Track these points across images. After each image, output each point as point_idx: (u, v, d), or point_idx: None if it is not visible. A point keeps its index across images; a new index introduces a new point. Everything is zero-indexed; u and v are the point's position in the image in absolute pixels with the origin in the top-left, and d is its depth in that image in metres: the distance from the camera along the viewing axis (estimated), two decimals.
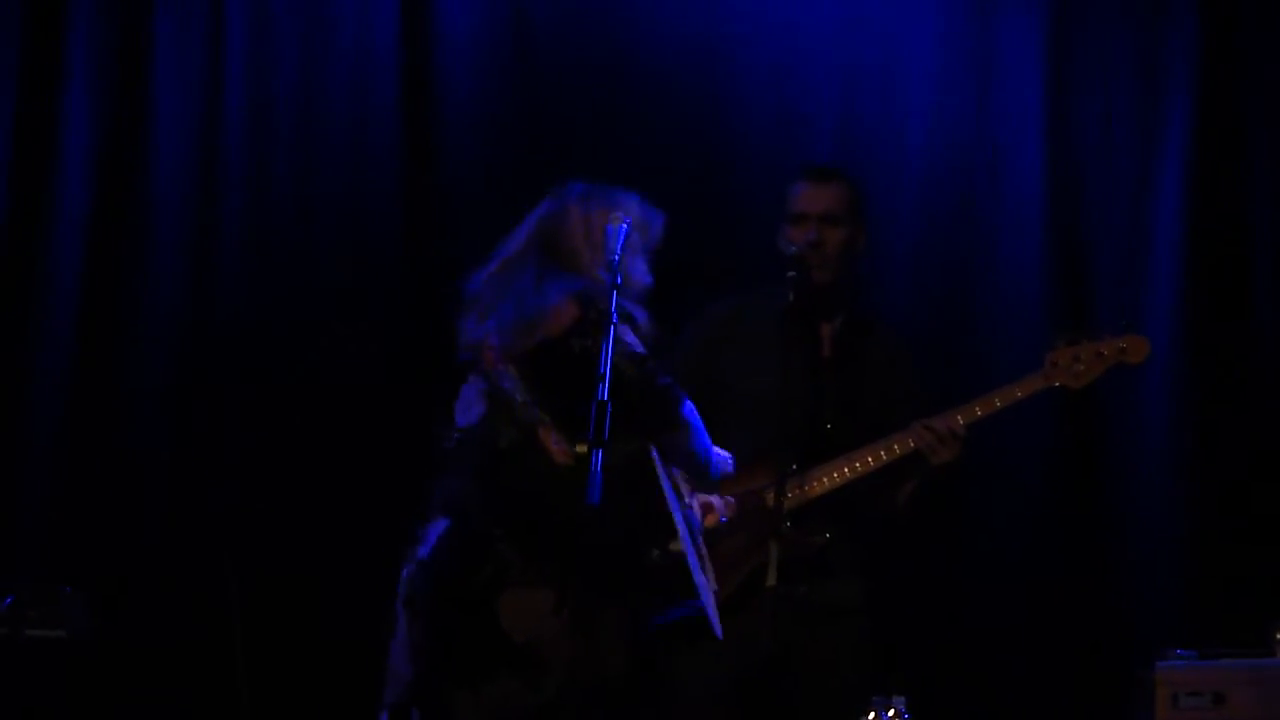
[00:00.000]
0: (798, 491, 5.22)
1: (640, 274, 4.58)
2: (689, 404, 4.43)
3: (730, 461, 4.70)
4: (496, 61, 6.50)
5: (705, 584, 4.48)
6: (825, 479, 5.28)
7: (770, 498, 5.14)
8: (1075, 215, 6.40)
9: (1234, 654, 5.07)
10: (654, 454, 4.39)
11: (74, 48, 6.39)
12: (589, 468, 4.00)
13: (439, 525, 4.41)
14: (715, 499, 4.82)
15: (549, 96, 6.49)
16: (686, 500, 4.61)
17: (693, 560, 4.36)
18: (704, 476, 4.60)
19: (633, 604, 4.33)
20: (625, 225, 4.51)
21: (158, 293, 6.35)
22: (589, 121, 6.44)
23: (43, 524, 6.19)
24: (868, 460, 5.33)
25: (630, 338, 4.37)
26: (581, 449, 4.21)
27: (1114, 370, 5.41)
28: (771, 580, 4.99)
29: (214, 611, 5.93)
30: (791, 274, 5.35)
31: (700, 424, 4.47)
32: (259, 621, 5.93)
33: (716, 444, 4.98)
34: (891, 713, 5.13)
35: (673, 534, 4.33)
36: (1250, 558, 6.06)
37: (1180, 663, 5.05)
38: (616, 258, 4.42)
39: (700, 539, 4.64)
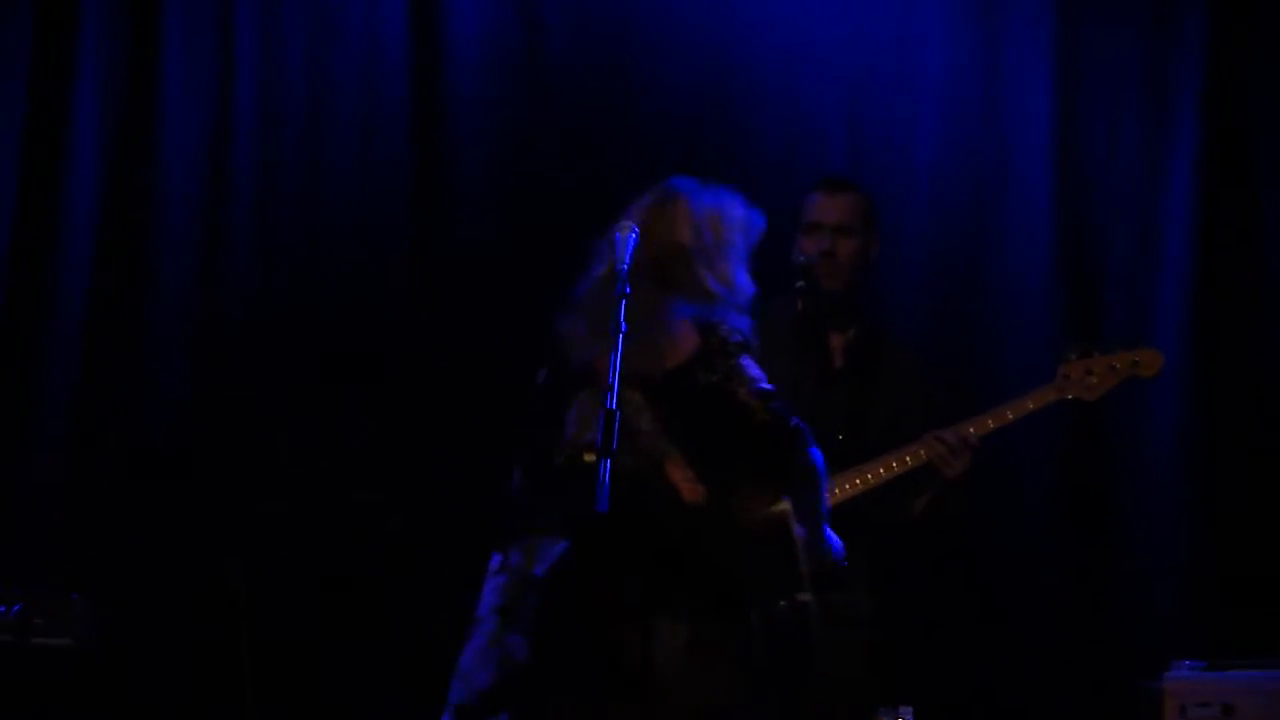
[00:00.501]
0: None
1: (744, 282, 4.53)
2: (817, 453, 4.39)
3: (839, 545, 4.65)
4: (506, 64, 6.49)
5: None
6: (837, 490, 5.27)
7: None
8: (1084, 225, 6.38)
9: (1243, 665, 5.06)
10: (786, 501, 4.35)
11: (84, 50, 6.35)
12: (613, 480, 3.97)
13: (555, 544, 4.38)
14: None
15: (559, 100, 6.47)
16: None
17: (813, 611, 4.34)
18: (818, 537, 4.49)
19: (755, 646, 4.30)
20: (634, 234, 4.48)
21: (166, 294, 6.33)
22: (599, 126, 6.43)
23: (50, 530, 6.17)
24: (879, 472, 5.32)
25: (754, 370, 4.33)
26: (590, 458, 4.19)
27: (1126, 383, 5.41)
28: None
29: (222, 619, 5.90)
30: (800, 284, 5.36)
31: (824, 480, 4.43)
32: (267, 629, 5.91)
33: None
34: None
35: (801, 585, 4.30)
36: (1259, 568, 6.05)
37: (1188, 673, 5.04)
38: (625, 266, 4.39)
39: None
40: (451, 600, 5.91)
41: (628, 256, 4.40)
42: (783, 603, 4.26)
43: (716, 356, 4.29)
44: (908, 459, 5.28)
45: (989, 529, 6.16)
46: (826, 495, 4.49)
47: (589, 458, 4.23)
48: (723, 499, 4.28)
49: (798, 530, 4.41)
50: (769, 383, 4.42)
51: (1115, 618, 6.18)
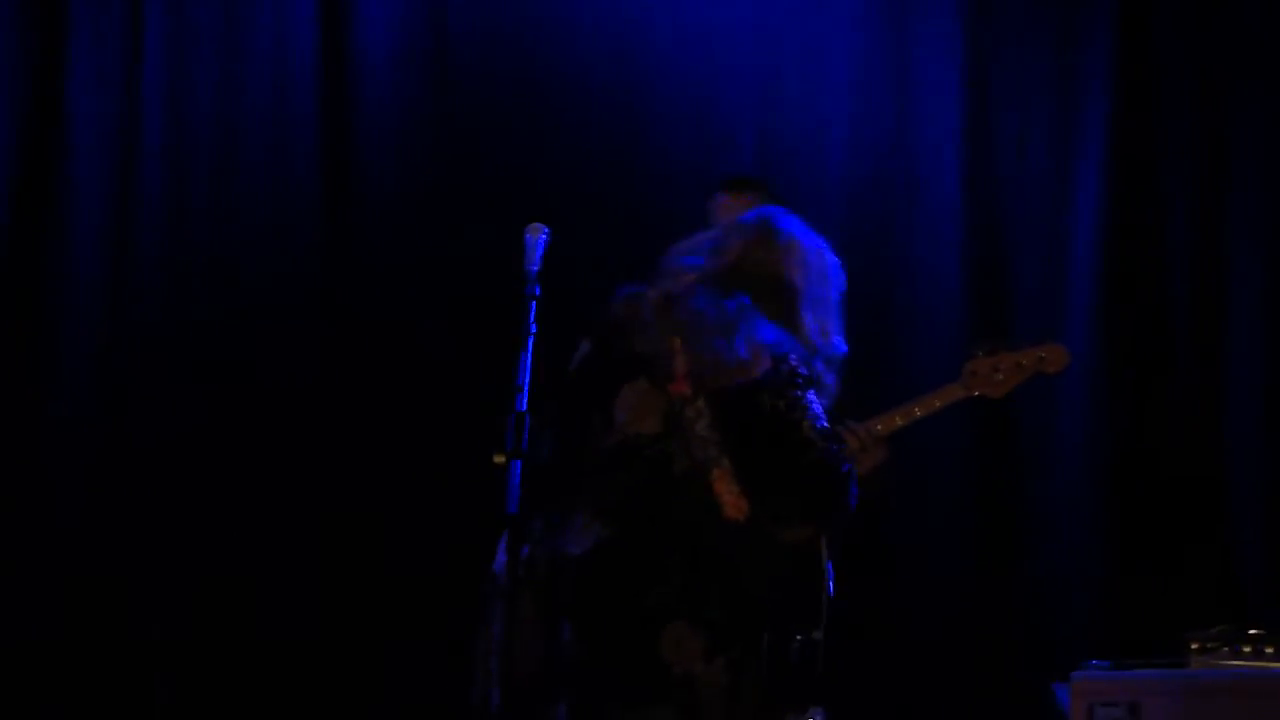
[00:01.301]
0: None
1: (838, 341, 4.50)
2: (856, 494, 4.31)
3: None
4: (414, 69, 6.50)
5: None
6: None
7: None
8: (994, 226, 6.45)
9: (1149, 664, 5.09)
10: (824, 543, 4.32)
11: None
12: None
13: (591, 526, 4.30)
14: None
15: (467, 108, 6.48)
16: None
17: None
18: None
19: (761, 672, 4.29)
20: (544, 235, 4.48)
21: (75, 303, 6.30)
22: (508, 134, 6.45)
23: None
24: None
25: (817, 408, 4.26)
26: (500, 460, 4.18)
27: (1033, 379, 5.44)
28: None
29: (134, 624, 5.90)
30: None
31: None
32: (181, 631, 5.90)
33: None
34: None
35: (818, 623, 4.29)
36: (1165, 569, 6.11)
37: (1096, 673, 5.06)
38: (536, 268, 4.39)
39: None
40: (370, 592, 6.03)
41: (537, 259, 4.40)
42: (799, 637, 4.26)
43: (785, 384, 4.25)
44: None
45: (896, 527, 6.19)
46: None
47: (499, 459, 4.23)
48: (765, 522, 4.27)
49: (828, 567, 4.44)
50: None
51: (1023, 617, 6.23)
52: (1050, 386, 5.65)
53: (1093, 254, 6.34)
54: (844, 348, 4.50)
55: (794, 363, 4.27)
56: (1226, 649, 4.97)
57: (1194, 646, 5.01)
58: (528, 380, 4.14)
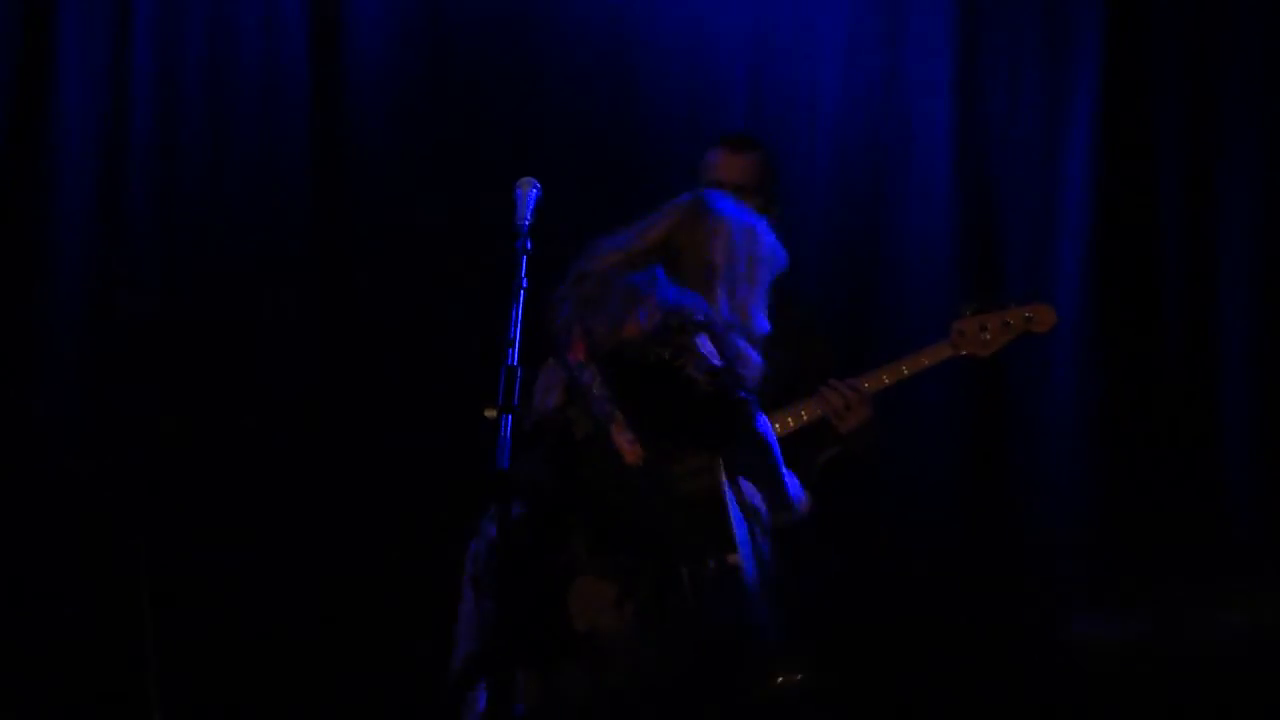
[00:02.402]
0: None
1: (760, 319, 4.61)
2: (764, 421, 4.45)
3: (804, 498, 4.72)
4: (406, 26, 6.47)
5: (762, 594, 4.48)
6: None
7: None
8: (984, 183, 6.45)
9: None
10: (721, 467, 4.40)
11: None
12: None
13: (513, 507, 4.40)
14: None
15: (460, 61, 6.47)
16: (764, 519, 4.61)
17: (748, 573, 4.37)
18: (778, 496, 4.58)
19: (684, 605, 4.34)
20: (535, 190, 4.52)
21: (62, 258, 6.28)
22: (499, 87, 6.44)
23: None
24: (775, 427, 5.34)
25: (708, 348, 4.38)
26: (491, 414, 4.23)
27: (1021, 338, 5.46)
28: None
29: (122, 592, 5.90)
30: None
31: (774, 440, 4.49)
32: (169, 599, 5.90)
33: None
34: (800, 676, 5.16)
35: (731, 547, 4.35)
36: (1155, 527, 6.13)
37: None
38: (526, 222, 4.43)
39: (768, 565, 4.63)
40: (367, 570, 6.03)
41: (529, 213, 4.44)
42: (711, 563, 4.30)
43: (674, 333, 4.34)
44: (803, 414, 5.31)
45: (885, 486, 6.21)
46: (776, 465, 4.52)
47: (490, 413, 4.28)
48: (660, 462, 4.33)
49: (753, 497, 4.51)
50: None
51: (1012, 576, 6.25)
52: (1040, 345, 5.66)
53: (1082, 213, 6.35)
54: (766, 327, 4.61)
55: (685, 314, 4.34)
56: None
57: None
58: (519, 334, 4.17)
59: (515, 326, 4.20)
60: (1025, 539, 6.32)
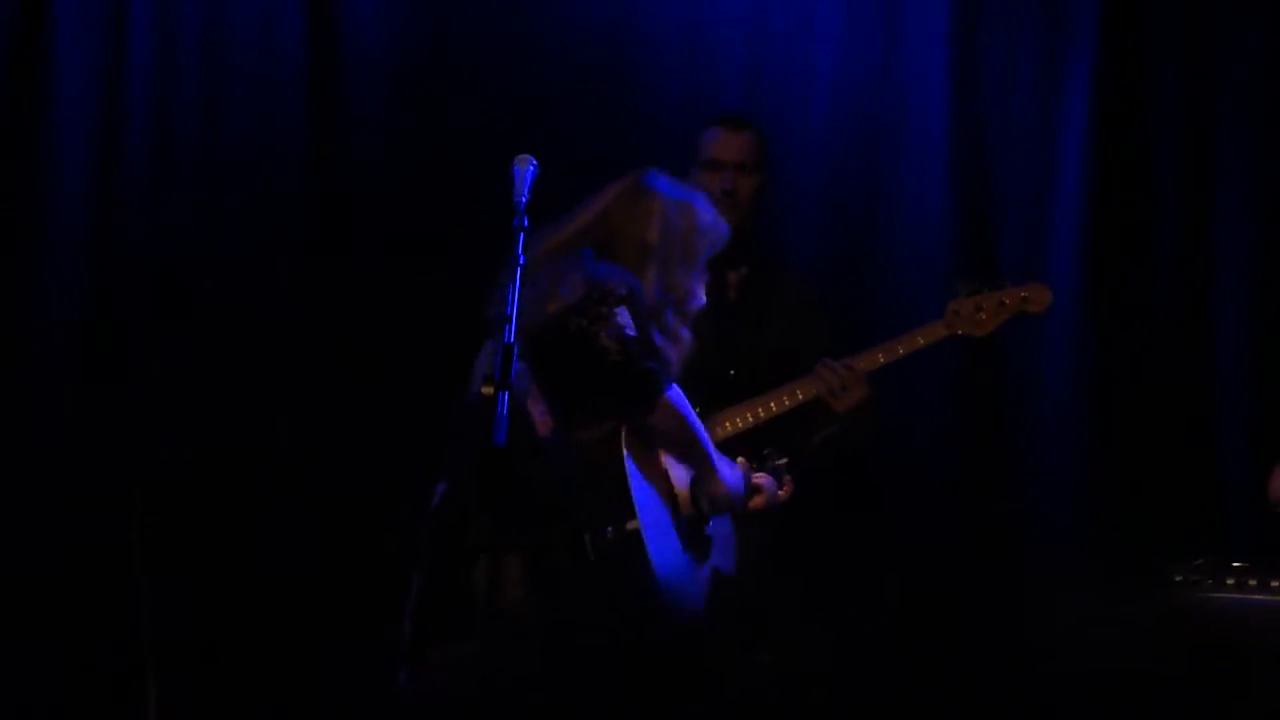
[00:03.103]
0: None
1: (697, 296, 4.63)
2: (676, 391, 4.44)
3: (740, 478, 4.72)
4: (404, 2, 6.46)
5: (673, 564, 4.47)
6: (729, 424, 5.31)
7: None
8: (980, 162, 6.45)
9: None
10: (622, 435, 4.41)
11: None
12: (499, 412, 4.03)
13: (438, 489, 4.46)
14: (766, 480, 4.84)
15: (458, 38, 6.45)
16: (679, 487, 4.61)
17: (652, 540, 4.37)
18: (704, 471, 4.60)
19: (590, 575, 4.36)
20: (531, 167, 4.51)
21: (59, 231, 6.24)
22: (495, 65, 6.41)
23: None
24: (770, 406, 5.36)
25: (625, 319, 4.39)
26: (488, 390, 4.23)
27: (1017, 319, 5.46)
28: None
29: (116, 550, 5.89)
30: None
31: (690, 413, 4.48)
32: (165, 569, 5.88)
33: None
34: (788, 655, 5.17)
35: (630, 513, 4.35)
36: (1149, 504, 6.14)
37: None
38: (524, 199, 4.43)
39: (694, 524, 4.62)
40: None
41: (526, 190, 4.44)
42: (610, 529, 4.31)
43: (592, 304, 4.37)
44: (798, 393, 5.32)
45: (882, 466, 6.21)
46: (699, 431, 4.51)
47: (486, 390, 4.29)
48: (569, 430, 4.39)
49: (676, 470, 4.53)
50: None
51: (1009, 555, 6.26)
52: (1034, 324, 5.66)
53: (1078, 191, 6.34)
54: (702, 301, 4.64)
55: (609, 286, 4.38)
56: (1210, 582, 5.00)
57: (1178, 579, 5.04)
58: (515, 312, 4.17)
59: (511, 304, 4.19)
60: (1019, 518, 6.31)
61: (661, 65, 6.47)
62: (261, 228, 6.32)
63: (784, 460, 5.04)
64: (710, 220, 4.67)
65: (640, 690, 4.41)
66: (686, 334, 4.59)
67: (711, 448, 4.58)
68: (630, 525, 4.36)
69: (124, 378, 6.18)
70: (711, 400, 5.24)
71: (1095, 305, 6.32)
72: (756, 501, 4.86)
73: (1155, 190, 6.36)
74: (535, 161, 4.52)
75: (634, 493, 4.39)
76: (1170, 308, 6.32)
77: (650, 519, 4.41)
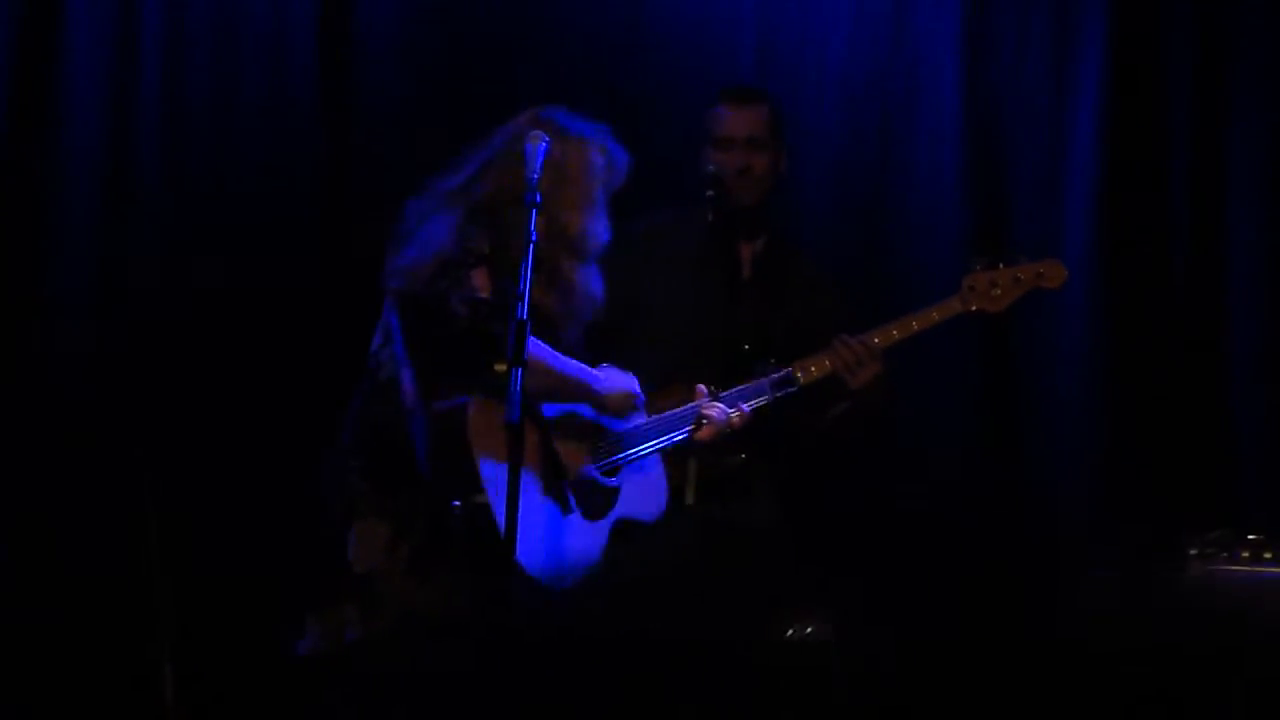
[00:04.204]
0: None
1: (593, 231, 4.66)
2: (541, 350, 4.49)
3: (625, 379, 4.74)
4: None
5: (539, 535, 4.47)
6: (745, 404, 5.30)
7: None
8: (992, 135, 6.43)
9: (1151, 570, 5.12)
10: (469, 407, 4.40)
11: None
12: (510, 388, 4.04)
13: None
14: (717, 412, 4.84)
15: (469, 10, 6.43)
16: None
17: (501, 513, 4.36)
18: (581, 399, 4.63)
19: (445, 545, 4.39)
20: (544, 144, 4.51)
21: (71, 214, 6.24)
22: (506, 34, 6.40)
23: None
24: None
25: (479, 280, 4.46)
26: (501, 368, 4.24)
27: (1031, 294, 5.45)
28: (690, 499, 5.02)
29: (132, 536, 5.89)
30: (710, 193, 5.37)
31: (551, 361, 4.52)
32: (179, 552, 5.89)
33: (632, 364, 5.03)
34: (810, 629, 5.17)
35: (476, 487, 4.34)
36: (1164, 477, 6.14)
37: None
38: (536, 176, 4.43)
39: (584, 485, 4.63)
40: None
41: (538, 165, 4.44)
42: (457, 503, 4.32)
43: (451, 267, 4.40)
44: (813, 369, 5.30)
45: (895, 441, 6.19)
46: (567, 372, 4.58)
47: (499, 367, 4.30)
48: (426, 398, 4.42)
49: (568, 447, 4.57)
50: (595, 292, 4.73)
51: (1022, 531, 6.26)
52: (1048, 297, 5.63)
53: (1091, 158, 6.33)
54: (602, 238, 4.68)
55: (469, 245, 4.46)
56: (1225, 554, 5.00)
57: (1192, 552, 5.04)
58: (528, 289, 4.17)
59: (524, 281, 4.20)
60: (1034, 494, 6.31)
61: (673, 45, 6.44)
62: (274, 208, 6.31)
63: (779, 374, 5.11)
64: (602, 158, 4.66)
65: (499, 664, 4.42)
66: (585, 276, 4.59)
67: (586, 377, 4.61)
68: (477, 499, 4.35)
69: (137, 361, 6.19)
70: (725, 376, 5.24)
71: (1109, 280, 6.30)
72: (703, 433, 4.86)
73: (1169, 166, 6.34)
74: (547, 139, 4.53)
75: (480, 466, 4.37)
76: (1184, 283, 6.30)
77: (497, 491, 4.37)
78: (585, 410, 4.75)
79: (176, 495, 5.90)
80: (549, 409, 4.65)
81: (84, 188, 6.23)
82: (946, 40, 6.43)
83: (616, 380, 4.71)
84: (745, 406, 5.00)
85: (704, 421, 4.88)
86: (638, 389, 4.78)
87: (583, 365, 4.63)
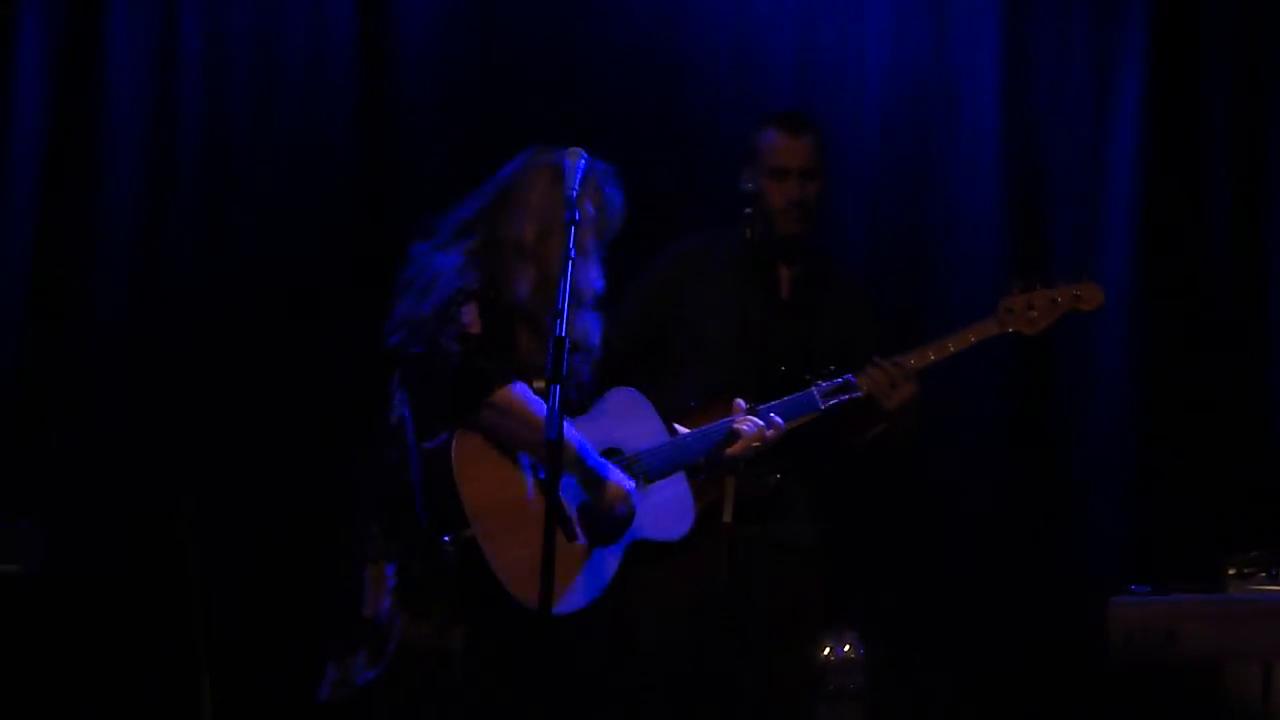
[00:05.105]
0: None
1: (584, 280, 4.60)
2: (518, 388, 4.42)
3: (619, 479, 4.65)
4: None
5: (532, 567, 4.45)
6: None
7: None
8: (1032, 159, 6.42)
9: (1186, 589, 5.09)
10: (453, 444, 4.40)
11: None
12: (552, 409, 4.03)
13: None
14: (748, 425, 4.81)
15: (506, 32, 6.44)
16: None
17: (491, 547, 4.34)
18: (585, 475, 4.52)
19: (446, 585, 4.40)
20: (583, 161, 4.51)
21: (113, 225, 6.28)
22: (547, 58, 6.41)
23: None
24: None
25: (468, 318, 4.42)
26: (540, 384, 4.24)
27: (1068, 317, 5.44)
28: (727, 517, 4.99)
29: (171, 545, 5.89)
30: (748, 210, 5.36)
31: (531, 407, 4.41)
32: (217, 555, 5.89)
33: (673, 383, 5.03)
34: (846, 648, 5.17)
35: (463, 522, 4.34)
36: (1201, 496, 6.12)
37: (1133, 598, 5.07)
38: (574, 193, 4.42)
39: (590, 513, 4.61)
40: None
41: (576, 183, 4.43)
42: (446, 538, 4.31)
43: (447, 306, 4.42)
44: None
45: (933, 463, 6.19)
46: (538, 428, 4.37)
47: (539, 384, 4.30)
48: (418, 441, 4.44)
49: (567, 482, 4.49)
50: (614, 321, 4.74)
51: (1061, 545, 6.24)
52: (1088, 318, 5.61)
53: (1131, 182, 6.32)
54: (596, 286, 4.62)
55: (465, 287, 4.43)
56: (1263, 574, 4.98)
57: (1230, 572, 5.02)
58: (566, 306, 4.16)
59: (564, 298, 4.17)
60: (1071, 511, 6.29)
61: (713, 58, 6.45)
62: (313, 225, 6.35)
63: (831, 383, 5.07)
64: (594, 208, 4.64)
65: (506, 693, 4.43)
66: (580, 325, 4.57)
67: (575, 445, 4.47)
68: (466, 534, 4.34)
69: (177, 378, 6.22)
70: (762, 395, 5.23)
71: (1148, 294, 6.29)
72: (735, 447, 4.83)
73: (1207, 187, 6.33)
74: (586, 155, 4.53)
75: (464, 501, 4.34)
76: (1223, 303, 6.28)
77: (489, 526, 4.36)
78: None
79: (213, 505, 5.93)
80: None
81: (124, 206, 6.29)
82: (986, 62, 6.42)
83: (613, 474, 4.63)
84: (780, 420, 4.96)
85: (736, 435, 4.85)
86: (632, 491, 4.68)
87: (575, 430, 4.57)
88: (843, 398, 5.12)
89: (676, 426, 4.87)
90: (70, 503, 6.05)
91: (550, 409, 4.06)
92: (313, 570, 6.03)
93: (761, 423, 4.86)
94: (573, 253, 4.28)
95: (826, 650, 5.20)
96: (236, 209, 6.34)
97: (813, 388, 5.10)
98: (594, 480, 4.51)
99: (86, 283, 6.27)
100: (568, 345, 4.12)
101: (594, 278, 4.62)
